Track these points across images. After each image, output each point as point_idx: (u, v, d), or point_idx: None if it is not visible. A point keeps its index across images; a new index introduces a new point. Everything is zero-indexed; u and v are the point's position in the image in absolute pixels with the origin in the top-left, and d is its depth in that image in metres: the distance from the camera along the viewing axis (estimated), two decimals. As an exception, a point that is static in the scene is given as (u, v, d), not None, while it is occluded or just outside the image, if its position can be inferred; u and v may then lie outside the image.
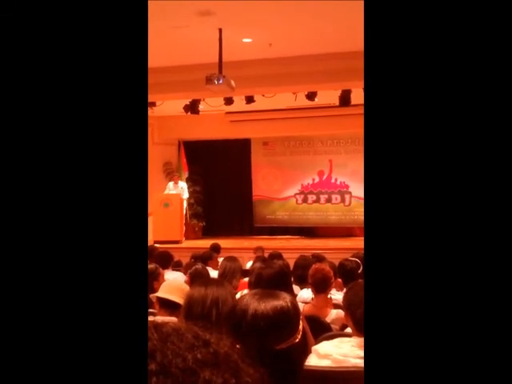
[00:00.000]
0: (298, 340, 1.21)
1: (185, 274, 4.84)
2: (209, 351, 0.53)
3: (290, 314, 1.23)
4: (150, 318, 2.69)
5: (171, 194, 9.90)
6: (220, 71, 6.12)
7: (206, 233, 11.37)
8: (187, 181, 10.92)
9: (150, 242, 8.64)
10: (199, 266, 4.03)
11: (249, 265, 5.67)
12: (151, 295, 2.80)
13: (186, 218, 10.44)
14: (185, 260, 6.16)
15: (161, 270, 3.99)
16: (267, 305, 1.22)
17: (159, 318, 2.49)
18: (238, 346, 0.56)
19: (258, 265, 3.26)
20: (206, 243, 8.25)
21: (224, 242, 7.98)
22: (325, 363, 1.75)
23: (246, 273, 4.50)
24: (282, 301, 1.25)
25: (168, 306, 2.59)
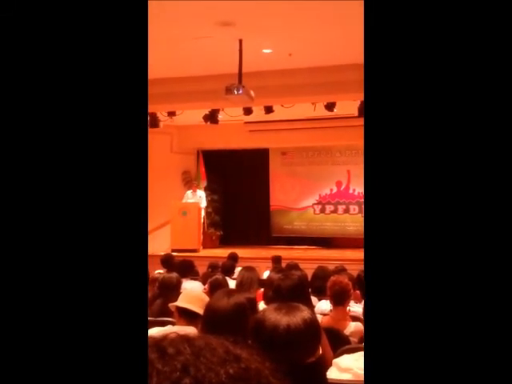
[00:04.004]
0: (321, 352, 1.21)
1: (203, 283, 4.86)
2: (240, 366, 0.53)
3: (316, 326, 1.23)
4: (169, 327, 2.70)
5: (189, 203, 9.94)
6: (240, 81, 6.16)
7: (224, 242, 11.37)
8: (205, 190, 10.96)
9: (168, 250, 8.67)
10: (219, 275, 4.04)
11: (265, 275, 5.65)
12: (170, 304, 2.81)
13: (203, 227, 10.46)
14: (202, 269, 6.17)
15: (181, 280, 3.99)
16: (297, 318, 1.21)
17: (178, 328, 2.49)
18: (268, 361, 0.56)
19: (275, 275, 3.25)
20: (223, 252, 8.25)
21: (241, 252, 7.97)
22: (345, 377, 1.74)
23: (263, 283, 4.49)
24: (307, 312, 1.25)
25: (187, 315, 2.59)
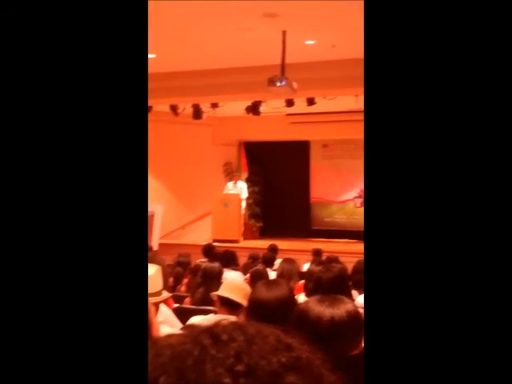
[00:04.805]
0: (363, 345, 1.21)
1: (243, 273, 4.90)
2: (292, 355, 0.53)
3: (359, 319, 1.23)
4: (211, 316, 2.75)
5: (230, 194, 10.01)
6: (282, 73, 6.14)
7: (264, 233, 11.41)
8: (246, 181, 11.00)
9: (209, 240, 8.78)
10: (260, 266, 4.07)
11: (305, 267, 5.65)
12: (212, 293, 2.85)
13: (244, 218, 10.52)
14: (242, 260, 6.23)
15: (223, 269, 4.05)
16: (341, 310, 1.22)
17: (220, 317, 2.53)
18: (318, 352, 0.57)
19: (315, 268, 3.24)
20: (263, 244, 8.28)
21: (281, 244, 7.97)
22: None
23: (302, 275, 4.49)
24: (350, 305, 1.25)
25: (229, 304, 2.63)
